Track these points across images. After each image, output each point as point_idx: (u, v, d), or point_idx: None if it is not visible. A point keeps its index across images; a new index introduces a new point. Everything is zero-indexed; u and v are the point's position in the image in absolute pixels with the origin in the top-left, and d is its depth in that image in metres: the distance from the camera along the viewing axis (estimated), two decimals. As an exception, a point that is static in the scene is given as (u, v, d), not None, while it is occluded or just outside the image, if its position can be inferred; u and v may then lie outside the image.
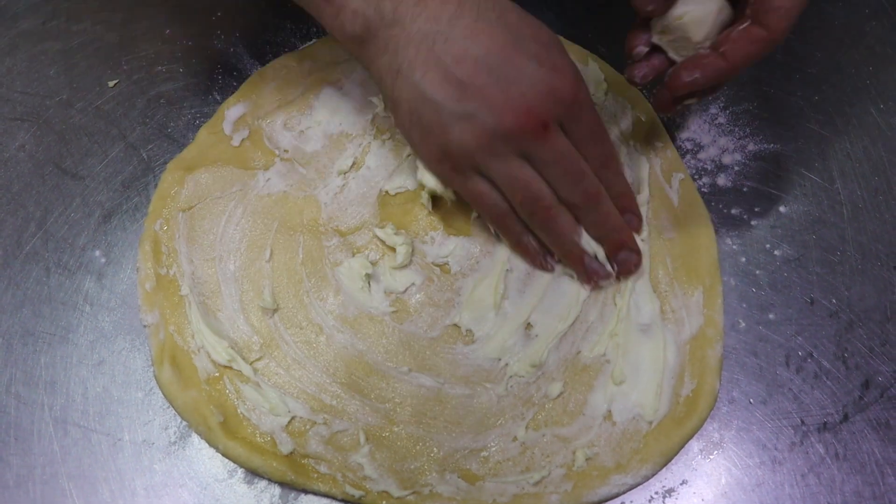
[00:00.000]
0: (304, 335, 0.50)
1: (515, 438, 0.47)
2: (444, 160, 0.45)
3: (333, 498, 0.47)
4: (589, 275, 0.50)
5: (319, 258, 0.52)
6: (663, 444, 0.47)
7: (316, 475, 0.47)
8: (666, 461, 0.47)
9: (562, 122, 0.44)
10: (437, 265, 0.51)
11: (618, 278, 0.50)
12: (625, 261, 0.50)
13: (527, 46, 0.43)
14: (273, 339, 0.50)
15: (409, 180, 0.53)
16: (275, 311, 0.50)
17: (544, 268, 0.50)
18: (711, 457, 0.49)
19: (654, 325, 0.50)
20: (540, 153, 0.44)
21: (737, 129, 0.58)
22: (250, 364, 0.49)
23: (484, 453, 0.47)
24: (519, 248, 0.50)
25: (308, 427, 0.48)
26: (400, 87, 0.44)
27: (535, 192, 0.45)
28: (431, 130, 0.44)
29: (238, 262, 0.52)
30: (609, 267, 0.50)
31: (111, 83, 0.58)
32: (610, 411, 0.48)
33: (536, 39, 0.44)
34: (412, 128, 0.45)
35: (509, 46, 0.42)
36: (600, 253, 0.50)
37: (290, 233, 0.52)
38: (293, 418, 0.48)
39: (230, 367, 0.49)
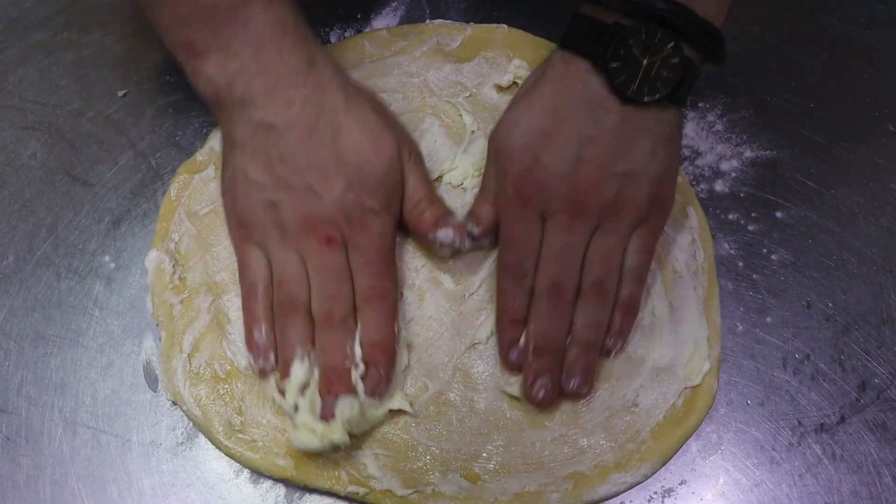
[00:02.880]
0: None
1: (521, 439, 0.48)
2: (241, 227, 0.49)
3: (337, 496, 0.48)
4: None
5: None
6: (662, 444, 0.48)
7: (320, 474, 0.47)
8: (665, 460, 0.48)
9: (346, 241, 0.47)
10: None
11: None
12: (327, 405, 0.46)
13: (343, 168, 0.46)
14: None
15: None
16: None
17: (252, 368, 0.49)
18: (710, 458, 0.49)
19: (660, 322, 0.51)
20: (313, 258, 0.47)
21: (734, 136, 0.59)
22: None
23: (486, 454, 0.48)
24: (247, 336, 0.49)
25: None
26: (232, 155, 0.49)
27: (291, 288, 0.47)
28: (239, 199, 0.48)
29: None
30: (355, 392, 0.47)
31: (121, 93, 0.60)
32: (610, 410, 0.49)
33: (357, 163, 0.46)
34: (226, 191, 0.50)
35: (328, 163, 0.46)
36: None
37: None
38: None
39: (239, 371, 0.50)
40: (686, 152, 0.58)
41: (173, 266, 0.53)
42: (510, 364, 0.48)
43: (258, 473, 0.49)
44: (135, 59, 0.61)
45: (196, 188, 0.55)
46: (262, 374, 0.48)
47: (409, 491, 0.47)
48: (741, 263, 0.54)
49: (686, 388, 0.49)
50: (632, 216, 0.47)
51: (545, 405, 0.47)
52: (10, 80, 0.60)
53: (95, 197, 0.56)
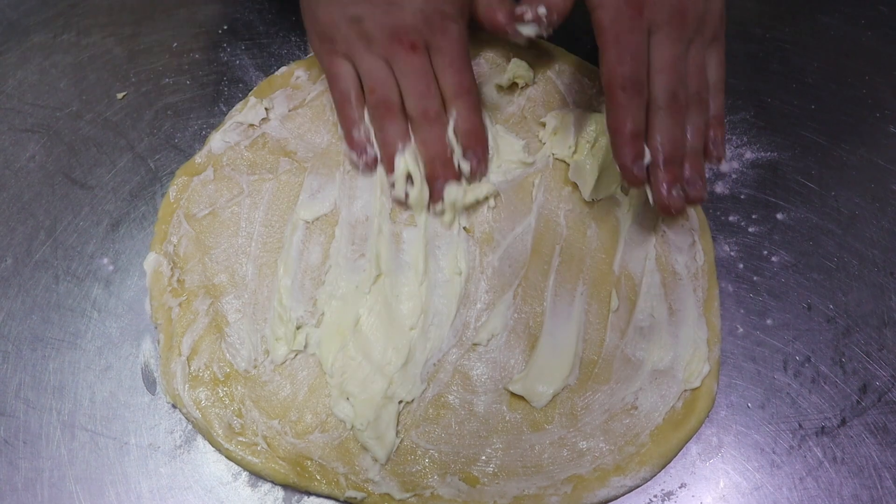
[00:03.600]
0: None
1: (519, 441, 0.48)
2: (326, 42, 0.53)
3: (336, 500, 0.48)
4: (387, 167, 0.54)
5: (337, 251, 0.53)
6: (662, 447, 0.48)
7: (319, 478, 0.48)
8: (665, 463, 0.48)
9: (429, 46, 0.51)
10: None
11: (432, 202, 0.53)
12: (436, 189, 0.53)
13: None
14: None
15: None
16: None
17: (356, 165, 0.54)
18: (710, 461, 0.49)
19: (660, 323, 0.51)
20: (400, 64, 0.51)
21: (734, 137, 0.59)
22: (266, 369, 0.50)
23: (485, 457, 0.48)
24: (347, 137, 0.54)
25: (312, 430, 0.49)
26: None
27: (384, 91, 0.52)
28: (322, 15, 0.52)
29: (255, 266, 0.53)
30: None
31: (120, 95, 0.60)
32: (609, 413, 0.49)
33: None
34: (307, 9, 0.54)
35: None
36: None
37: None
38: (299, 422, 0.49)
39: (238, 373, 0.50)
40: None
41: (171, 269, 0.53)
42: (635, 180, 0.48)
43: (257, 477, 0.49)
44: (134, 62, 0.61)
45: (195, 190, 0.55)
46: (367, 168, 0.54)
47: (408, 494, 0.47)
48: (741, 265, 0.54)
49: (685, 390, 0.49)
50: (711, 31, 0.49)
51: (681, 211, 0.48)
52: (9, 83, 0.60)
53: (94, 199, 0.56)
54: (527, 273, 0.52)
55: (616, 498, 0.47)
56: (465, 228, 0.53)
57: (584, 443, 0.48)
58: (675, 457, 0.48)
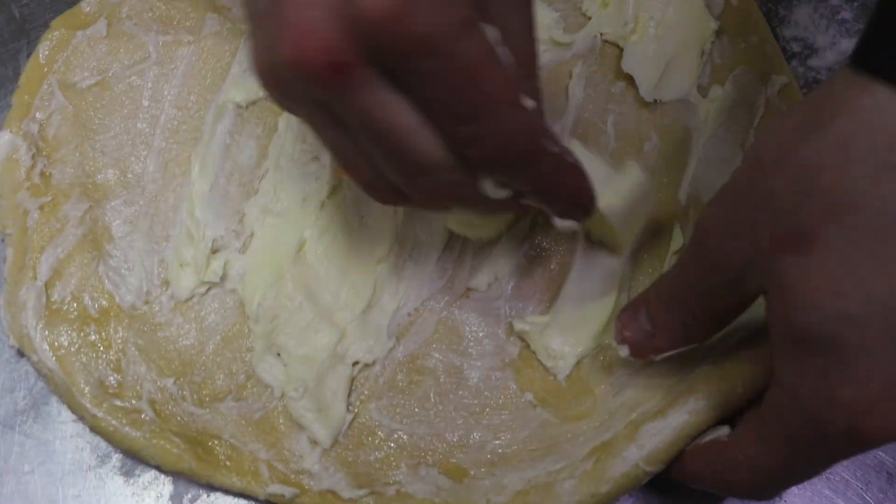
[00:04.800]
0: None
1: (529, 417, 0.48)
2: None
3: (252, 499, 0.47)
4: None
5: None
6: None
7: (229, 464, 0.46)
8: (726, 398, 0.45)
9: (383, 65, 0.36)
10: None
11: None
12: None
13: None
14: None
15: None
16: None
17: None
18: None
19: None
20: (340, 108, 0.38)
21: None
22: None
23: (478, 440, 0.47)
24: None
25: (224, 396, 0.48)
26: None
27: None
28: None
29: (158, 161, 0.53)
30: None
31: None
32: None
33: None
34: None
35: None
36: None
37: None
38: (205, 383, 0.49)
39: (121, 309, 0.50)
40: (795, 47, 0.57)
41: (33, 157, 0.52)
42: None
43: (136, 459, 0.48)
44: None
45: (78, 50, 0.54)
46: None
47: (363, 492, 0.46)
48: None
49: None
50: None
51: None
52: None
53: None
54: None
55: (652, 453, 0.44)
56: None
57: (618, 397, 0.48)
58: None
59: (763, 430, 0.40)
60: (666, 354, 0.44)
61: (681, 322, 0.43)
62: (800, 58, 0.57)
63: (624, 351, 0.45)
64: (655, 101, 0.54)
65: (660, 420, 0.45)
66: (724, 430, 0.44)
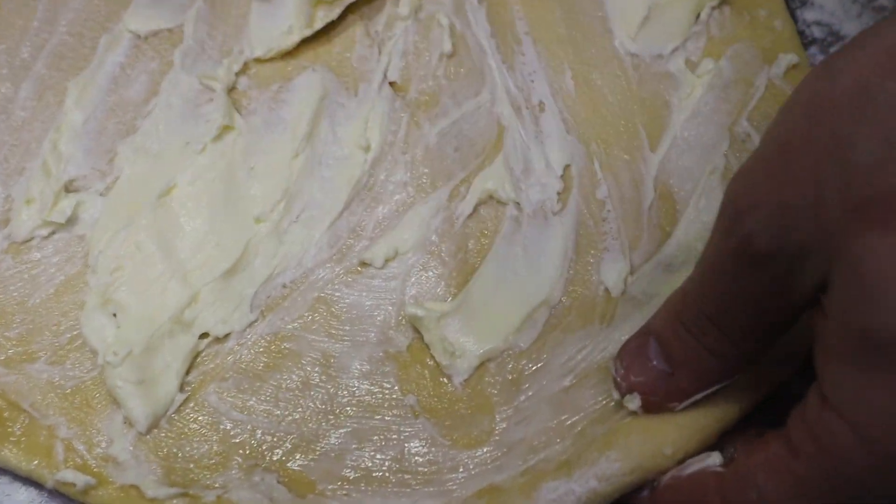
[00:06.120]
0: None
1: (407, 430, 0.43)
2: None
3: (40, 484, 0.42)
4: None
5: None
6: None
7: (17, 436, 0.42)
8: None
9: None
10: None
11: None
12: None
13: None
14: None
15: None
16: None
17: None
18: None
19: None
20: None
21: (900, 13, 0.52)
22: None
23: (338, 449, 0.42)
24: None
25: (37, 357, 0.43)
26: None
27: None
28: None
29: (34, 86, 0.49)
30: None
31: None
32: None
33: None
34: None
35: None
36: None
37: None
38: (21, 340, 0.44)
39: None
40: (818, 32, 0.54)
41: None
42: None
43: None
44: None
45: None
46: None
47: (172, 491, 0.41)
48: None
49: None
50: None
51: None
52: None
53: None
54: (484, 164, 0.49)
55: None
56: (391, 84, 0.51)
57: (520, 428, 0.42)
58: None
59: (792, 462, 0.33)
60: (692, 400, 0.38)
61: (709, 351, 0.35)
62: (821, 45, 0.54)
63: (634, 402, 0.38)
64: (632, 56, 0.51)
65: (563, 480, 0.40)
66: (714, 458, 0.38)
